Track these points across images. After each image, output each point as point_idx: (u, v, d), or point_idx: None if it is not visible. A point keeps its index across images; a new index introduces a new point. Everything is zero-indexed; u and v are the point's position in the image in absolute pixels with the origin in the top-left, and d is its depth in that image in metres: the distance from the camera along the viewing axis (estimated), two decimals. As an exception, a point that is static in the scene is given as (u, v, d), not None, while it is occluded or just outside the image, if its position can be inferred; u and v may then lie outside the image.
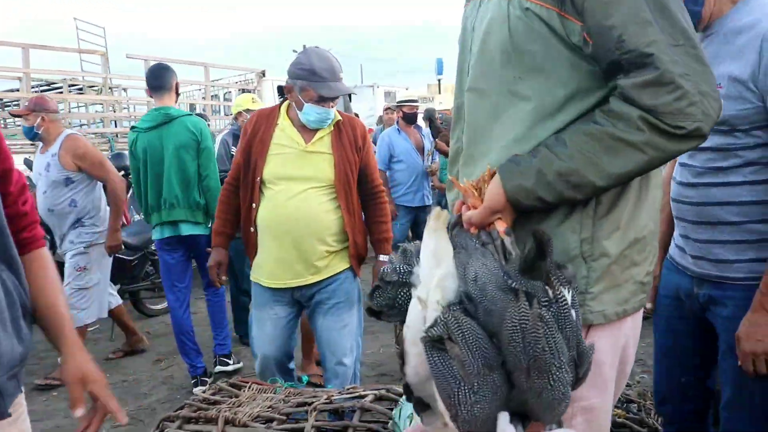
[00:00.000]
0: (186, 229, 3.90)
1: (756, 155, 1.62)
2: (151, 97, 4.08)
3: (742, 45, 1.59)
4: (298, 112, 2.70)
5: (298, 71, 2.67)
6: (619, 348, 1.29)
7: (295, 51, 38.12)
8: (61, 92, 11.86)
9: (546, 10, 1.16)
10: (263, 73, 14.24)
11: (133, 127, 4.11)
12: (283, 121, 2.75)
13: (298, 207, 2.68)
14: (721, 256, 1.70)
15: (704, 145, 1.59)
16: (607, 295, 1.22)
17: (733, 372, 1.68)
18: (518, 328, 1.05)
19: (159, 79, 3.91)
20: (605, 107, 1.16)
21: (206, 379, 4.00)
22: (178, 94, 4.01)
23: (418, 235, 6.10)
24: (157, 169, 3.85)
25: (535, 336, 1.04)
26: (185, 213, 3.87)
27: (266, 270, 2.78)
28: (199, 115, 7.68)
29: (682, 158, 1.74)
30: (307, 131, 2.73)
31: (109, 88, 12.17)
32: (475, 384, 1.06)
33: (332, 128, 2.75)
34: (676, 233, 1.87)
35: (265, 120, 2.76)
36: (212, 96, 13.18)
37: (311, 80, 2.64)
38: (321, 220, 2.71)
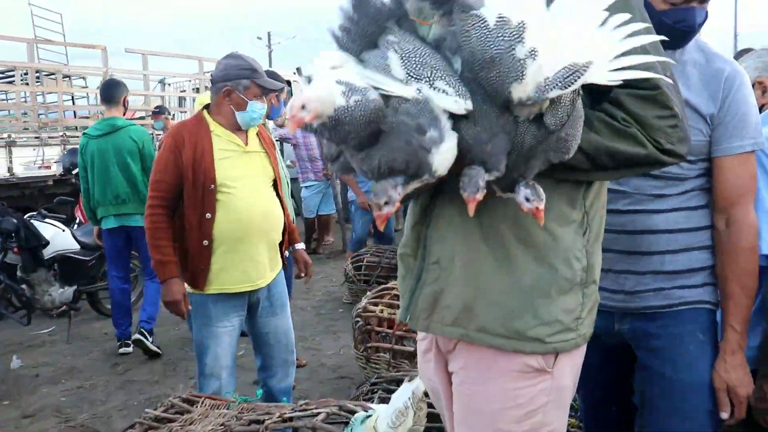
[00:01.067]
0: (132, 221, 4.59)
1: (697, 183, 1.66)
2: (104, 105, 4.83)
3: (696, 78, 1.62)
4: (237, 113, 2.76)
5: (239, 72, 2.77)
6: (578, 369, 1.32)
7: (259, 38, 37.20)
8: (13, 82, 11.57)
9: None
10: None
11: (84, 133, 4.77)
12: (215, 128, 2.77)
13: (261, 204, 2.77)
14: (650, 285, 1.67)
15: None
16: (588, 318, 1.26)
17: (667, 402, 1.67)
18: None
19: (110, 92, 4.68)
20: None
21: (129, 342, 4.70)
22: (125, 108, 4.74)
23: (378, 233, 6.10)
24: (104, 170, 4.55)
25: None
26: (133, 207, 4.55)
27: (236, 275, 2.73)
28: (158, 111, 7.85)
29: (608, 183, 1.68)
30: (240, 133, 2.82)
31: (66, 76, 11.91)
32: None
33: (257, 128, 2.89)
34: None
35: (196, 130, 2.74)
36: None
37: (254, 77, 2.77)
38: (277, 215, 2.88)
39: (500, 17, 0.99)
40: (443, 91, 1.00)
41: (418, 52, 1.03)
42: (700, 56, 1.66)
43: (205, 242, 2.69)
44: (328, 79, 1.02)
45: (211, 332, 2.77)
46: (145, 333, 4.68)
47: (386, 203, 1.01)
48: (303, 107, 1.02)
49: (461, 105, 0.99)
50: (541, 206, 1.04)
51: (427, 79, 1.00)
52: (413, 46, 1.04)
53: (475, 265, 1.21)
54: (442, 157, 1.00)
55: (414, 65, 1.01)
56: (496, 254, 1.20)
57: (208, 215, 2.68)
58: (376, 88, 1.00)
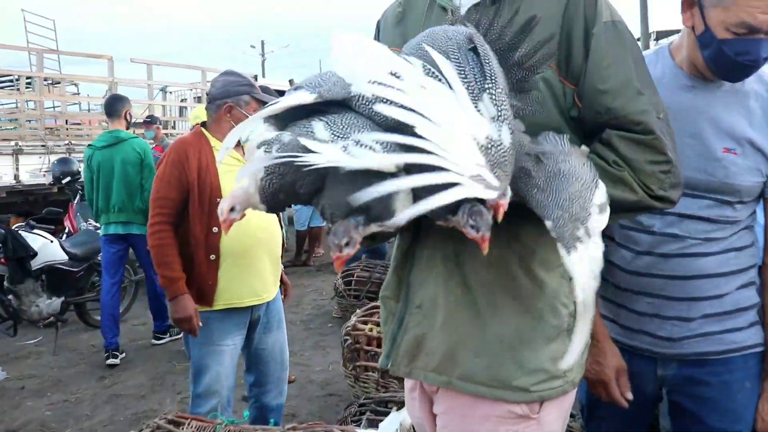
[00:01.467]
0: (128, 229, 4.82)
1: (745, 223, 1.60)
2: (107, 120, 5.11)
3: (760, 114, 1.53)
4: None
5: (238, 88, 2.81)
6: (567, 414, 1.29)
7: (252, 47, 37.76)
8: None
9: (551, 70, 1.14)
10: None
11: (89, 145, 5.02)
12: (215, 143, 2.78)
13: (263, 218, 2.74)
14: (699, 330, 1.59)
15: (702, 215, 1.54)
16: (577, 363, 1.23)
17: None
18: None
19: (113, 107, 4.96)
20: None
21: (117, 353, 4.79)
22: (128, 121, 5.01)
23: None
24: (107, 180, 4.80)
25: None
26: (129, 216, 4.81)
27: (243, 290, 2.72)
28: (150, 120, 7.98)
29: (658, 226, 1.58)
30: (238, 149, 2.82)
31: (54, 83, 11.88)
32: None
33: None
34: (623, 312, 1.68)
35: (198, 146, 2.74)
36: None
37: (254, 92, 2.82)
38: (276, 229, 2.88)
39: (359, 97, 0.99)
40: (370, 147, 0.94)
41: (344, 116, 1.00)
42: (761, 88, 1.55)
43: (213, 256, 2.66)
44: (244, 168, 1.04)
45: (212, 351, 2.72)
46: (160, 336, 5.19)
47: (347, 244, 0.97)
48: (232, 209, 1.05)
49: (390, 160, 0.94)
50: (487, 235, 0.96)
51: (354, 137, 0.95)
52: (339, 112, 1.01)
53: (458, 312, 1.19)
54: (402, 203, 0.97)
55: (339, 126, 0.98)
56: (479, 301, 1.18)
57: (215, 229, 2.66)
58: (304, 149, 0.95)
